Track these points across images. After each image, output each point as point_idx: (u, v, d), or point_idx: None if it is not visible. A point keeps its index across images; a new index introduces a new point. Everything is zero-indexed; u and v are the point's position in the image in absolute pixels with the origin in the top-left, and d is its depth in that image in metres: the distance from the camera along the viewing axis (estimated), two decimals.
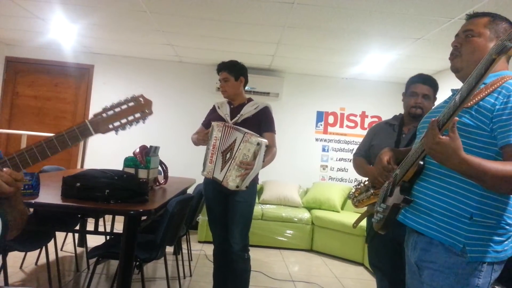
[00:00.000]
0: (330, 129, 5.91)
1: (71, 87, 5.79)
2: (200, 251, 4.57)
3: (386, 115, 5.76)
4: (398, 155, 1.67)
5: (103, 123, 1.22)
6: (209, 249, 4.48)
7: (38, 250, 3.31)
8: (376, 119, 5.91)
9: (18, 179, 1.17)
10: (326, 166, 5.90)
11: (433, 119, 1.27)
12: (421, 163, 1.43)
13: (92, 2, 3.57)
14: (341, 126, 5.92)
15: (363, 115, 5.94)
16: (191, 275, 3.75)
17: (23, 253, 3.45)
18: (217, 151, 2.66)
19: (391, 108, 5.82)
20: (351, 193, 2.47)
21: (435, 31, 3.51)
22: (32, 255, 3.51)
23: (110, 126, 1.23)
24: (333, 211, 5.22)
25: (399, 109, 5.81)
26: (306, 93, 5.90)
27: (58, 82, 5.77)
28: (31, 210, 2.97)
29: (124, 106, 1.24)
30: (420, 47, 4.03)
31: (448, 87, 1.61)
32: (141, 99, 1.27)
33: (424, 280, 1.41)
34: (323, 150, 5.90)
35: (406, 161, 1.50)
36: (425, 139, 1.29)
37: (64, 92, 5.76)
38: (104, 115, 1.22)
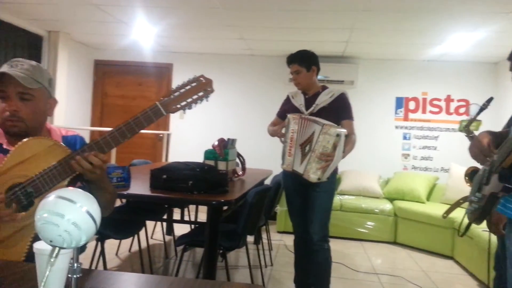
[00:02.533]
0: (411, 115, 5.60)
1: (153, 85, 6.14)
2: (280, 241, 4.61)
3: (475, 98, 5.39)
4: (497, 138, 1.52)
5: (171, 104, 1.31)
6: (288, 239, 4.52)
7: (131, 238, 3.57)
8: (463, 103, 5.48)
9: (104, 160, 1.28)
10: (408, 155, 5.60)
11: None
12: None
13: (170, 2, 3.73)
14: (424, 112, 5.58)
15: (448, 99, 5.53)
16: (272, 264, 3.80)
17: (118, 241, 3.76)
18: (295, 144, 2.64)
19: (480, 90, 5.38)
20: None
21: None
22: (126, 242, 3.80)
23: (178, 105, 1.31)
24: (418, 202, 4.96)
25: (489, 91, 5.36)
26: (383, 79, 5.65)
27: (142, 82, 6.15)
28: (124, 200, 3.22)
29: (188, 87, 1.32)
30: None
31: None
32: (202, 78, 1.33)
33: None
34: (404, 138, 5.60)
35: (505, 146, 1.36)
36: None
37: (147, 91, 6.13)
38: (171, 96, 1.31)
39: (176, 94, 1.31)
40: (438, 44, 4.65)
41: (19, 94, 1.35)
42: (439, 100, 5.56)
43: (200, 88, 1.32)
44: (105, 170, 1.32)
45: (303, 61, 2.78)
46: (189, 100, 1.32)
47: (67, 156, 1.25)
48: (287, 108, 2.91)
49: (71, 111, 5.60)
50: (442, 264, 4.16)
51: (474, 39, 4.34)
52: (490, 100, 2.22)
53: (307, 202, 2.75)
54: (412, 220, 4.68)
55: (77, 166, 1.24)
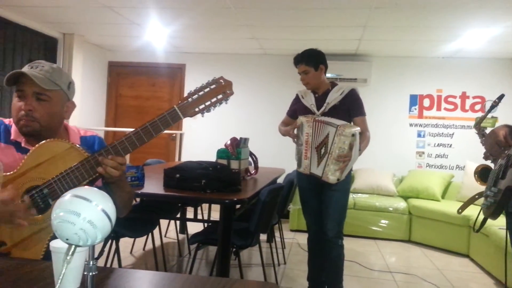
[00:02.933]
0: (425, 113, 5.53)
1: (166, 86, 6.19)
2: (293, 239, 4.61)
3: (490, 95, 5.31)
4: None
5: (189, 108, 1.28)
6: (301, 238, 4.52)
7: (145, 236, 3.60)
8: (479, 100, 5.40)
9: (122, 163, 1.28)
10: (423, 153, 5.54)
11: None
12: None
13: (182, 3, 3.76)
14: (439, 109, 5.51)
15: (464, 96, 5.46)
16: (285, 263, 3.81)
17: (132, 239, 3.80)
18: (310, 147, 2.64)
19: (495, 87, 5.29)
20: None
21: None
22: (140, 241, 3.84)
23: (196, 109, 1.29)
24: (433, 200, 4.90)
25: (505, 87, 5.29)
26: (397, 77, 5.59)
27: (155, 82, 6.21)
28: (138, 199, 3.26)
29: (207, 89, 1.29)
30: None
31: None
32: (221, 81, 1.30)
33: None
34: (419, 135, 5.54)
35: None
36: None
37: (160, 91, 6.19)
38: (190, 99, 1.28)
39: (195, 97, 1.28)
40: (453, 40, 4.59)
41: (35, 94, 1.36)
42: (454, 97, 5.48)
43: (220, 90, 1.29)
44: (124, 172, 1.32)
45: (310, 61, 2.74)
46: (208, 103, 1.29)
47: (84, 159, 1.26)
48: (297, 107, 2.90)
49: (86, 112, 5.68)
50: (458, 262, 4.11)
51: (490, 35, 4.27)
52: (501, 97, 2.18)
53: (323, 201, 2.75)
54: (427, 218, 4.64)
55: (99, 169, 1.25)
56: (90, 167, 1.25)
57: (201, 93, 1.29)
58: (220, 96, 1.30)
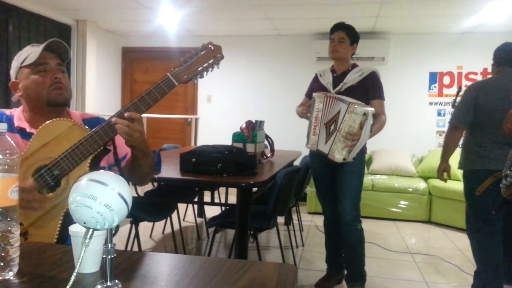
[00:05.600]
0: (446, 91, 5.39)
1: None
2: (311, 222, 4.61)
3: None
4: None
5: (182, 74, 1.33)
6: (319, 220, 4.50)
7: (164, 220, 3.64)
8: None
9: (134, 118, 1.27)
10: (443, 132, 5.42)
11: None
12: None
13: None
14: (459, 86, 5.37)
15: (485, 73, 5.29)
16: (303, 245, 3.81)
17: (151, 224, 3.85)
18: (320, 123, 2.59)
19: None
20: None
21: None
22: (159, 225, 3.89)
23: (189, 75, 1.33)
24: (453, 179, 4.80)
25: None
26: (415, 54, 5.45)
27: (168, 67, 6.12)
28: (156, 184, 3.28)
29: (197, 56, 1.34)
30: None
31: None
32: (211, 46, 1.35)
33: None
34: (439, 114, 5.42)
35: None
36: None
37: None
38: (181, 66, 1.33)
39: (187, 64, 1.33)
40: (473, 14, 4.42)
41: (57, 66, 1.44)
42: (475, 74, 5.32)
43: (210, 55, 1.34)
44: (144, 134, 1.34)
45: (350, 34, 2.70)
46: (200, 68, 1.33)
47: (87, 135, 1.28)
48: (315, 87, 2.84)
49: (101, 98, 5.72)
50: None
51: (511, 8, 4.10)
52: (459, 89, 2.68)
53: (335, 183, 2.71)
54: (448, 198, 4.56)
55: (118, 127, 1.26)
56: (94, 141, 1.27)
57: (192, 59, 1.33)
58: (211, 61, 1.34)
